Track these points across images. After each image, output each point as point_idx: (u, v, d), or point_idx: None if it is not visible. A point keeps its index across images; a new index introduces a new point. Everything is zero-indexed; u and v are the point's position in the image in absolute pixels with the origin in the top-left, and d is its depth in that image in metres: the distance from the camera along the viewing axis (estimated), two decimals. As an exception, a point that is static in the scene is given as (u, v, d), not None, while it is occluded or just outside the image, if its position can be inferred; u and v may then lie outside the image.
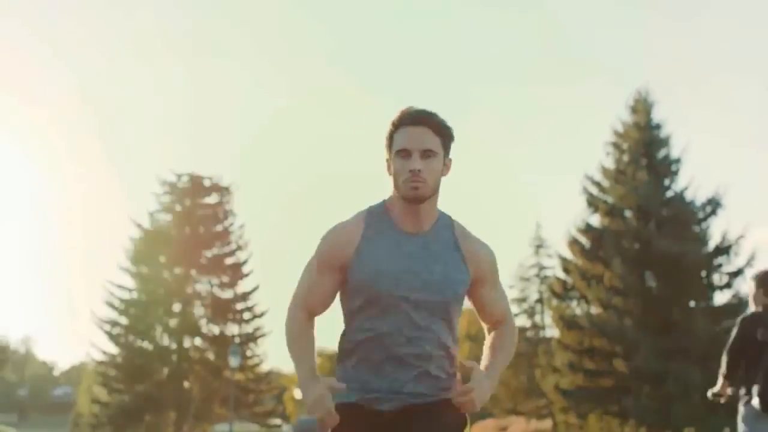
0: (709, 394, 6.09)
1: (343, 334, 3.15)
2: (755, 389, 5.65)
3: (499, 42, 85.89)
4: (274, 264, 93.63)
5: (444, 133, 3.07)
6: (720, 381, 5.94)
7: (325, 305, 3.13)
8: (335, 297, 3.13)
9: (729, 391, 5.87)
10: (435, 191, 3.07)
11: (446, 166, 3.11)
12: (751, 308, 6.05)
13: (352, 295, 3.07)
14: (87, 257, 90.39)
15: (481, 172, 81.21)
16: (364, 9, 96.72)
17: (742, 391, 5.73)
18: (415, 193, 3.00)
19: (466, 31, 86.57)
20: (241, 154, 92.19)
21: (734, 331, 5.92)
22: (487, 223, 78.59)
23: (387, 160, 3.12)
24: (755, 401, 5.59)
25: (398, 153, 3.04)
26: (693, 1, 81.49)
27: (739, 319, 5.94)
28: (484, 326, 3.32)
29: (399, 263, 3.03)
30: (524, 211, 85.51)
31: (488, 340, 3.29)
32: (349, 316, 3.11)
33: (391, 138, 3.09)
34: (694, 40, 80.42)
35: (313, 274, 3.11)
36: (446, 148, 3.08)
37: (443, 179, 3.12)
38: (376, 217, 3.12)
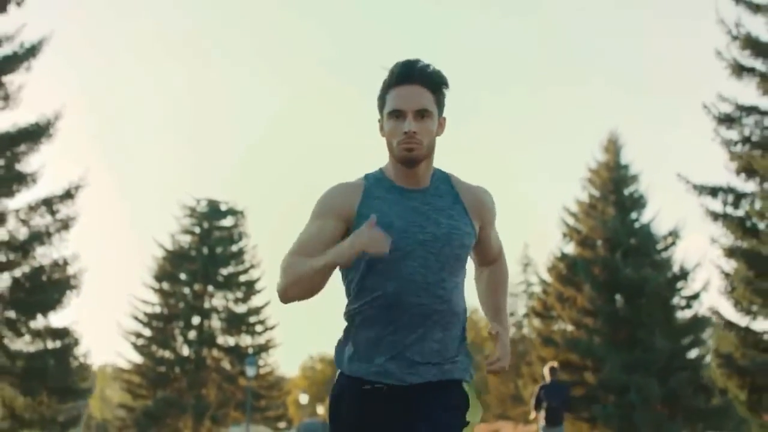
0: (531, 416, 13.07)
1: (347, 304, 3.10)
2: (542, 414, 11.77)
3: (498, 47, 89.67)
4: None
5: (438, 89, 3.04)
6: (534, 412, 12.45)
7: (319, 251, 2.97)
8: (329, 248, 2.95)
9: (539, 417, 12.39)
10: (430, 152, 3.05)
11: (441, 125, 3.07)
12: (547, 380, 12.88)
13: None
14: (115, 274, 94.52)
15: (480, 177, 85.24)
16: (364, 14, 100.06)
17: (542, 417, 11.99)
18: (409, 155, 2.98)
19: (465, 35, 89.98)
20: (243, 160, 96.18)
21: (535, 390, 12.44)
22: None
23: (379, 121, 3.08)
24: (541, 423, 11.62)
25: (391, 114, 3.00)
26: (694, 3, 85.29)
27: (537, 386, 12.48)
28: (475, 265, 3.37)
29: (404, 217, 3.01)
30: (523, 213, 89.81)
31: (484, 277, 3.36)
32: (352, 281, 3.07)
33: (383, 99, 3.06)
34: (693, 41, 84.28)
35: (309, 226, 3.04)
36: (440, 105, 3.05)
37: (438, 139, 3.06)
38: (375, 178, 3.10)
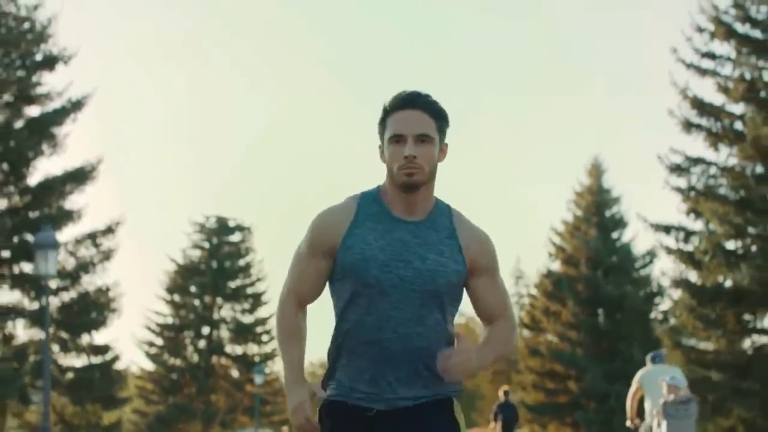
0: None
1: (334, 330, 3.14)
2: (499, 424, 15.63)
3: (498, 49, 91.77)
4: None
5: (439, 116, 3.06)
6: (492, 423, 16.56)
7: (315, 292, 3.12)
8: (325, 284, 3.13)
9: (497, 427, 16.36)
10: (431, 178, 3.06)
11: (442, 151, 3.08)
12: (501, 400, 17.24)
13: (339, 283, 3.07)
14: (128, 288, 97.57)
15: (479, 181, 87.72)
16: (363, 16, 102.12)
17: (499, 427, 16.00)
18: (409, 180, 2.99)
19: (466, 38, 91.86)
20: (243, 163, 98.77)
21: (494, 408, 16.73)
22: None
23: (380, 147, 3.10)
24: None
25: (392, 139, 3.02)
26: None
27: (495, 404, 16.88)
28: (482, 323, 3.26)
29: (389, 250, 3.00)
30: (521, 217, 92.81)
31: (484, 333, 3.22)
32: (337, 309, 3.11)
33: (383, 123, 3.08)
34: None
35: (303, 260, 3.11)
36: (442, 132, 3.07)
37: (439, 165, 3.08)
38: (368, 201, 3.10)
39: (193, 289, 45.82)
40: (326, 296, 3.19)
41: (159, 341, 45.26)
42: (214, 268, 45.95)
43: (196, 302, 45.73)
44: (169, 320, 45.72)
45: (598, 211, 38.97)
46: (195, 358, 45.25)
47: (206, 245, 46.71)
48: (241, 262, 46.81)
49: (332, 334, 3.14)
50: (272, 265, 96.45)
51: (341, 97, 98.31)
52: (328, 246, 3.06)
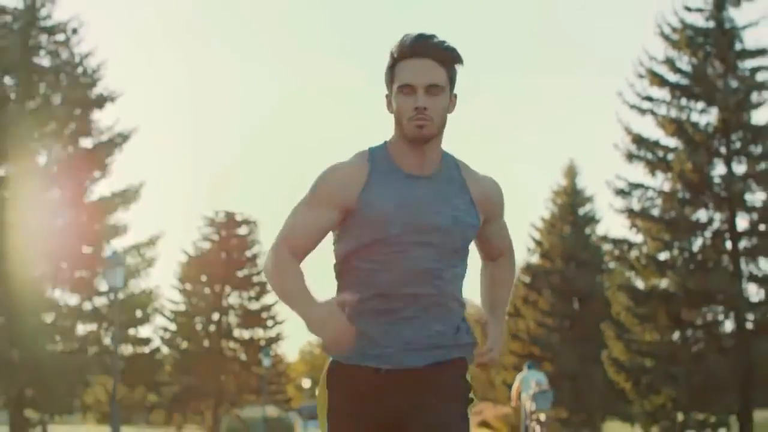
0: None
1: (338, 289, 3.17)
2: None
3: (499, 31, 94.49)
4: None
5: (451, 64, 3.05)
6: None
7: (310, 245, 3.09)
8: (320, 240, 3.11)
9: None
10: (441, 130, 3.07)
11: (452, 102, 3.09)
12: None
13: (352, 240, 3.08)
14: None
15: (477, 162, 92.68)
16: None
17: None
18: (420, 132, 2.99)
19: (468, 19, 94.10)
20: (250, 160, 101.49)
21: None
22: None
23: (387, 96, 3.10)
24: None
25: (401, 89, 3.01)
26: None
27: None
28: (482, 259, 3.42)
29: (407, 207, 3.03)
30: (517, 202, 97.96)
31: (487, 271, 3.42)
32: (346, 266, 3.12)
33: (391, 71, 3.06)
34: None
35: (304, 212, 3.09)
36: (452, 81, 3.07)
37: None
38: (379, 159, 3.10)
39: (203, 278, 50.38)
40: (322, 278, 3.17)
41: (173, 327, 49.61)
42: (222, 259, 50.57)
43: (207, 290, 50.29)
44: (182, 307, 49.83)
45: (572, 210, 45.21)
46: (206, 342, 49.83)
47: (216, 238, 51.31)
48: (248, 253, 51.40)
49: (337, 293, 3.12)
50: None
51: (346, 83, 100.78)
52: (340, 201, 3.06)
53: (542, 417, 18.79)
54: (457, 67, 3.11)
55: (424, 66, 3.01)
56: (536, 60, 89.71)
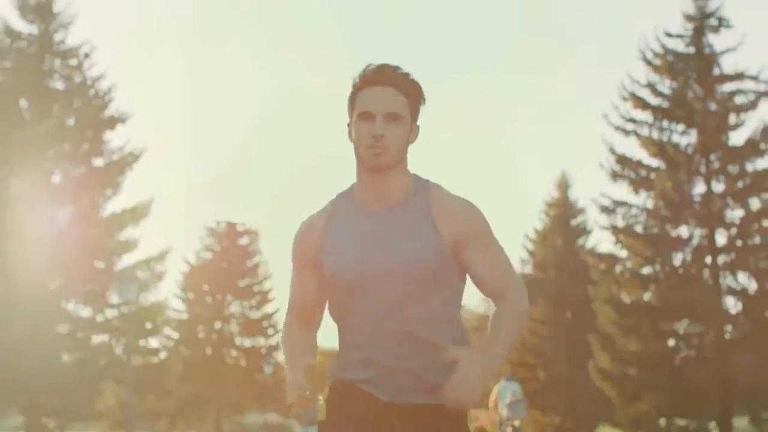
0: None
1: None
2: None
3: (498, 32, 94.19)
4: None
5: (412, 93, 3.04)
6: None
7: (309, 304, 3.22)
8: (320, 298, 3.22)
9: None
10: (400, 159, 3.04)
11: (413, 131, 3.07)
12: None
13: (329, 291, 3.14)
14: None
15: (471, 158, 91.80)
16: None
17: None
18: (376, 160, 2.99)
19: (468, 19, 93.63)
20: (240, 148, 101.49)
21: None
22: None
23: (348, 125, 3.08)
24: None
25: (360, 116, 3.01)
26: None
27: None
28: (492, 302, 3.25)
29: (361, 248, 3.05)
30: (513, 197, 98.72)
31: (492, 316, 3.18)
32: (332, 317, 3.20)
33: (353, 99, 3.05)
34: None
35: (293, 278, 3.22)
36: (414, 111, 3.05)
37: (410, 146, 3.08)
38: (342, 201, 3.14)
39: (205, 287, 51.33)
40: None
41: (175, 335, 50.48)
42: (224, 268, 51.68)
43: (209, 299, 51.24)
44: (184, 316, 50.60)
45: (564, 222, 47.10)
46: (208, 350, 50.68)
47: (217, 248, 52.61)
48: (249, 263, 52.44)
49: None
50: (277, 266, 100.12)
51: (336, 78, 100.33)
52: (308, 259, 3.15)
53: (516, 423, 21.20)
54: (420, 99, 3.12)
55: (384, 94, 3.02)
56: (536, 60, 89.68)
